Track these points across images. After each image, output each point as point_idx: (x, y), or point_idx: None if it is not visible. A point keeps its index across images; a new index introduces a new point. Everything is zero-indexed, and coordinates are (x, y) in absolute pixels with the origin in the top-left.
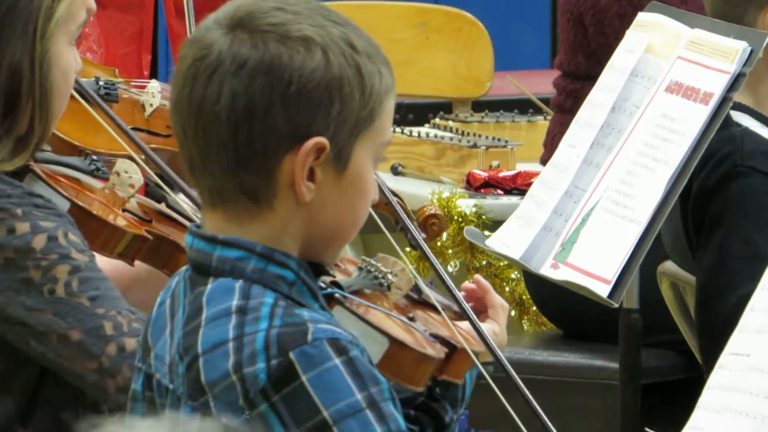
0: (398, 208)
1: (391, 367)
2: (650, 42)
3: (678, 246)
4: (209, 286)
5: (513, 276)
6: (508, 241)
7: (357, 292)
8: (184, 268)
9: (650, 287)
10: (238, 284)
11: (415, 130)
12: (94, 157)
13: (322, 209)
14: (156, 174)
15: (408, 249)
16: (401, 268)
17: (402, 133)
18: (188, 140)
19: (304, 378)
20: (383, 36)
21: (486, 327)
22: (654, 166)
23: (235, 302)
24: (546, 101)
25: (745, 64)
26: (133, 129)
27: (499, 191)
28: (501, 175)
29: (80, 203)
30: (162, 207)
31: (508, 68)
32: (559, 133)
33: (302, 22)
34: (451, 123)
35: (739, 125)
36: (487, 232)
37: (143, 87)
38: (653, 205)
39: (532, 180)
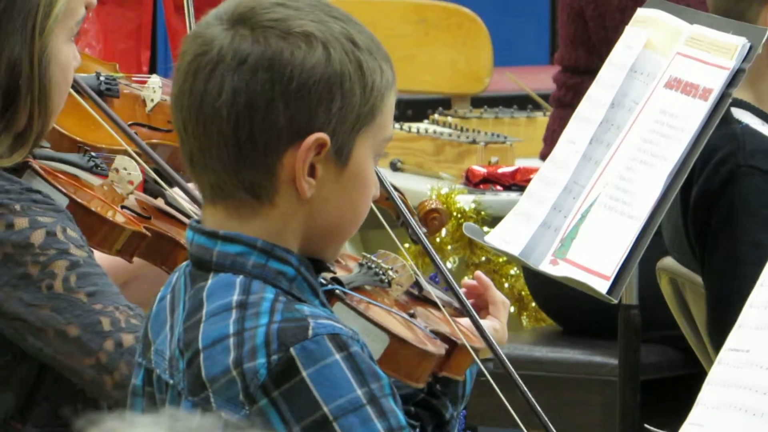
0: (400, 202)
1: (392, 363)
2: (649, 38)
3: (677, 242)
4: (210, 282)
5: (512, 272)
6: (507, 237)
7: (358, 289)
8: (184, 263)
9: (649, 283)
10: (239, 279)
11: (414, 125)
12: (93, 154)
13: (322, 205)
14: (153, 170)
15: (407, 245)
16: (402, 265)
17: (401, 129)
18: (189, 136)
19: (304, 373)
20: (383, 32)
21: (486, 324)
22: (653, 162)
23: (235, 297)
24: (545, 97)
25: (744, 60)
26: (134, 124)
27: (498, 187)
28: (500, 171)
29: (79, 200)
30: (161, 204)
31: (507, 64)
32: (558, 128)
33: (303, 18)
34: (450, 119)
35: (739, 122)
36: (486, 228)
37: (144, 82)
38: (652, 201)
39: (531, 176)
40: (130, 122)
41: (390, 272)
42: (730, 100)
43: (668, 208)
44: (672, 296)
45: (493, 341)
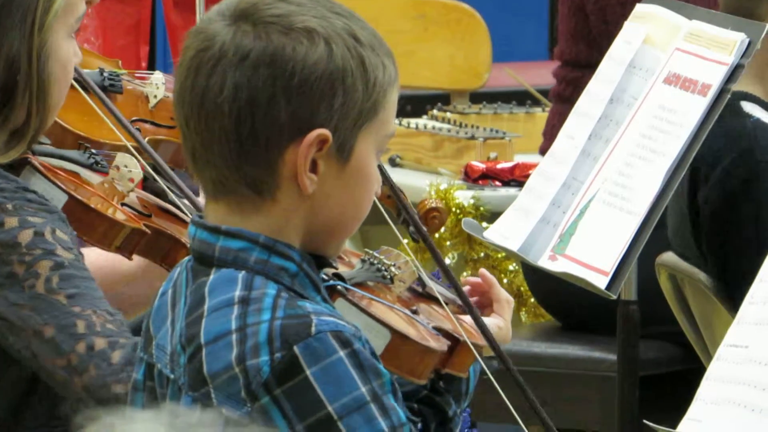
0: (407, 202)
1: (394, 359)
2: (648, 33)
3: (680, 233)
4: (212, 277)
5: (511, 268)
6: (506, 233)
7: (360, 285)
8: (186, 258)
9: (648, 279)
10: (241, 275)
11: (413, 121)
12: (93, 151)
13: (324, 201)
14: (152, 167)
15: (406, 241)
16: (404, 261)
17: (400, 124)
18: (191, 132)
19: (308, 372)
20: (382, 27)
21: (490, 321)
22: (652, 157)
23: (237, 293)
24: (544, 92)
25: (743, 56)
26: (137, 120)
27: (497, 183)
28: (499, 166)
29: (78, 196)
30: (162, 201)
31: (506, 60)
32: (558, 122)
33: (305, 14)
34: (449, 114)
35: (750, 116)
36: (485, 224)
37: (146, 78)
38: (651, 197)
39: (530, 171)
40: (133, 118)
41: (392, 268)
42: (729, 96)
43: (672, 201)
44: (671, 292)
45: (494, 339)
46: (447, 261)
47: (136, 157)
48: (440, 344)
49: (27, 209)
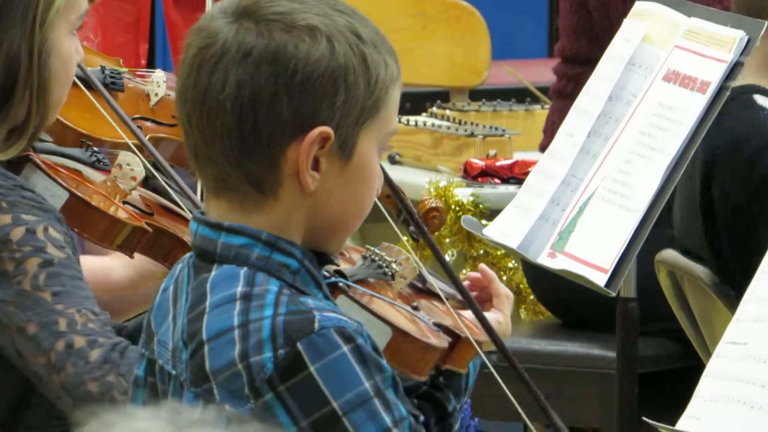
0: (408, 203)
1: (395, 356)
2: (647, 31)
3: (689, 230)
4: (213, 273)
5: (510, 265)
6: (505, 230)
7: (361, 282)
8: (188, 254)
9: (648, 276)
10: (243, 271)
11: (413, 119)
12: (95, 149)
13: (326, 199)
14: (153, 165)
15: (406, 238)
16: (405, 257)
17: (399, 122)
18: (193, 129)
19: (312, 368)
20: (381, 25)
21: (490, 316)
22: (651, 155)
23: (239, 289)
24: (543, 90)
25: (742, 53)
26: (138, 118)
27: (497, 180)
28: (498, 164)
29: (79, 194)
30: (164, 200)
31: (506, 57)
32: (558, 119)
33: (308, 12)
34: (448, 112)
35: (763, 109)
36: (484, 221)
37: (147, 77)
38: (650, 194)
39: (530, 169)
40: (134, 116)
41: (393, 265)
42: (728, 93)
43: (680, 197)
44: (670, 289)
45: (496, 333)
46: (446, 258)
47: (137, 155)
48: (441, 341)
49: (21, 207)
